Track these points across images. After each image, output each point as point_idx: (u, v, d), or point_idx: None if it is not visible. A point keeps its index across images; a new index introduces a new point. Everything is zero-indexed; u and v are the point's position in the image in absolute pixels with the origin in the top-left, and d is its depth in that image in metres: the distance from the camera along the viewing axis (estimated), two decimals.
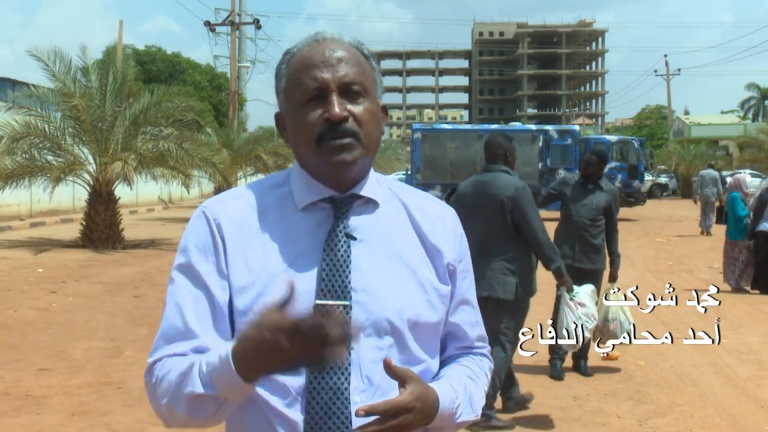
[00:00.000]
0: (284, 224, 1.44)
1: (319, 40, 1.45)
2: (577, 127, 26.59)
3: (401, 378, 1.32)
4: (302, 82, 1.41)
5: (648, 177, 44.12)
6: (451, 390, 1.42)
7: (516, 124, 29.06)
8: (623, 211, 25.64)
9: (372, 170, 1.52)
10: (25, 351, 6.88)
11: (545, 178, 24.80)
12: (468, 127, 29.90)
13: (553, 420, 5.15)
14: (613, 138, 27.07)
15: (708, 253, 15.28)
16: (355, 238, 1.43)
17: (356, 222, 1.45)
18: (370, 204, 1.48)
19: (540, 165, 24.75)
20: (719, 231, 16.11)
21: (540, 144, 24.83)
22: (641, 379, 6.13)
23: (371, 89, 1.45)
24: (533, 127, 26.97)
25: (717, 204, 18.25)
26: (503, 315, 4.87)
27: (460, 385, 1.47)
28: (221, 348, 1.29)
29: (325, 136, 1.39)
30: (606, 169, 26.11)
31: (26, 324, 8.00)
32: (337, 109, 1.38)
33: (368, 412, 1.27)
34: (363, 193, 1.47)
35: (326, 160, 1.40)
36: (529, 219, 4.84)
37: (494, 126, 27.60)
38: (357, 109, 1.41)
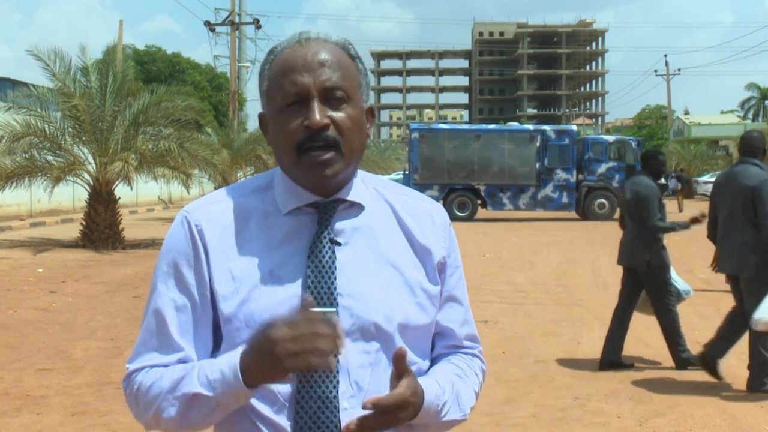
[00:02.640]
0: (268, 229, 1.42)
1: (302, 41, 1.40)
2: (574, 127, 26.60)
3: (401, 372, 1.30)
4: (282, 86, 1.37)
5: None
6: (437, 386, 1.40)
7: (513, 124, 29.05)
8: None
9: (358, 171, 1.49)
10: (25, 351, 6.88)
11: (542, 178, 24.84)
12: (465, 127, 29.89)
13: (553, 420, 5.15)
14: (610, 138, 27.07)
15: (708, 253, 15.20)
16: (339, 244, 1.41)
17: (341, 226, 1.43)
18: (356, 207, 1.45)
19: (537, 165, 24.78)
20: None
21: (537, 144, 24.85)
22: (641, 379, 6.13)
23: (355, 94, 1.40)
24: (531, 127, 26.97)
25: None
26: (746, 290, 5.60)
27: (447, 382, 1.45)
28: (225, 357, 1.31)
29: (304, 144, 1.36)
30: (603, 169, 26.30)
31: (26, 324, 7.99)
32: (317, 116, 1.34)
33: (374, 405, 1.26)
34: (348, 197, 1.44)
35: (306, 173, 1.38)
36: (765, 207, 5.44)
37: (492, 126, 27.59)
38: (338, 116, 1.37)
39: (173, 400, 1.32)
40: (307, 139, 1.35)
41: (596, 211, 24.88)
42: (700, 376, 6.21)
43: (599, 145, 25.32)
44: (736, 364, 6.61)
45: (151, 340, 1.41)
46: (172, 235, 1.44)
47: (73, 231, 16.72)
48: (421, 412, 1.35)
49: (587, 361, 6.69)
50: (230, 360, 1.29)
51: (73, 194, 22.60)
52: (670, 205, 33.72)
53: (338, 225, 1.43)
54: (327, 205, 1.43)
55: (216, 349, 1.43)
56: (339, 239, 1.42)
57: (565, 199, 24.89)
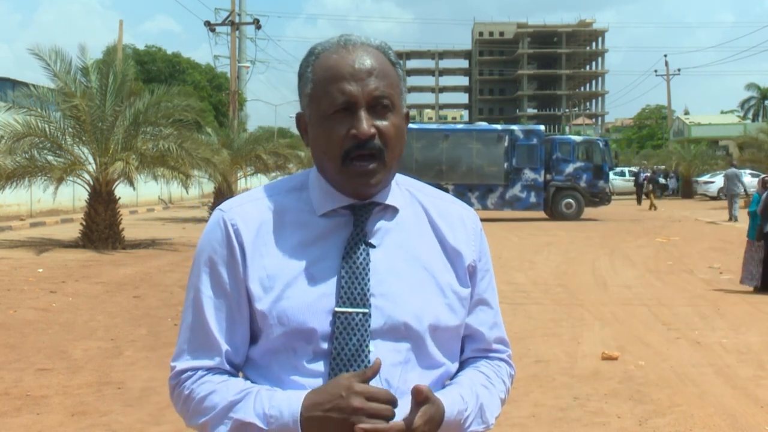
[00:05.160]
0: (302, 229, 1.44)
1: (348, 47, 1.41)
2: (542, 127, 26.89)
3: (419, 402, 1.31)
4: (330, 94, 1.38)
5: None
6: (461, 401, 1.41)
7: (482, 124, 29.01)
8: (589, 211, 25.90)
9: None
10: (25, 351, 6.88)
11: (511, 177, 24.95)
12: (434, 126, 29.90)
13: (553, 420, 5.15)
14: (578, 138, 27.46)
15: (708, 253, 15.27)
16: (373, 246, 1.43)
17: (376, 228, 1.45)
18: (390, 209, 1.48)
19: (506, 165, 24.91)
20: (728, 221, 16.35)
21: (506, 144, 24.96)
22: (641, 379, 6.12)
23: (398, 101, 1.43)
24: (499, 127, 27.03)
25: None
26: None
27: (472, 394, 1.45)
28: (285, 396, 1.33)
29: (351, 152, 1.38)
30: (571, 169, 26.97)
31: (26, 324, 7.99)
32: (365, 125, 1.37)
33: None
34: (383, 200, 1.46)
35: (349, 181, 1.41)
36: None
37: (460, 125, 27.74)
38: (383, 124, 1.39)
39: (226, 421, 1.36)
40: (354, 148, 1.38)
41: (564, 210, 25.14)
42: (700, 376, 6.22)
43: (567, 146, 25.56)
44: (735, 364, 6.62)
45: (193, 340, 1.45)
46: (209, 234, 1.47)
47: (73, 231, 16.71)
48: (443, 427, 1.37)
49: (587, 361, 6.69)
50: (291, 403, 1.32)
51: (73, 194, 22.60)
52: (644, 204, 33.93)
53: (373, 227, 1.45)
54: (362, 207, 1.45)
55: (254, 343, 1.45)
56: (373, 241, 1.44)
57: (533, 199, 25.03)
